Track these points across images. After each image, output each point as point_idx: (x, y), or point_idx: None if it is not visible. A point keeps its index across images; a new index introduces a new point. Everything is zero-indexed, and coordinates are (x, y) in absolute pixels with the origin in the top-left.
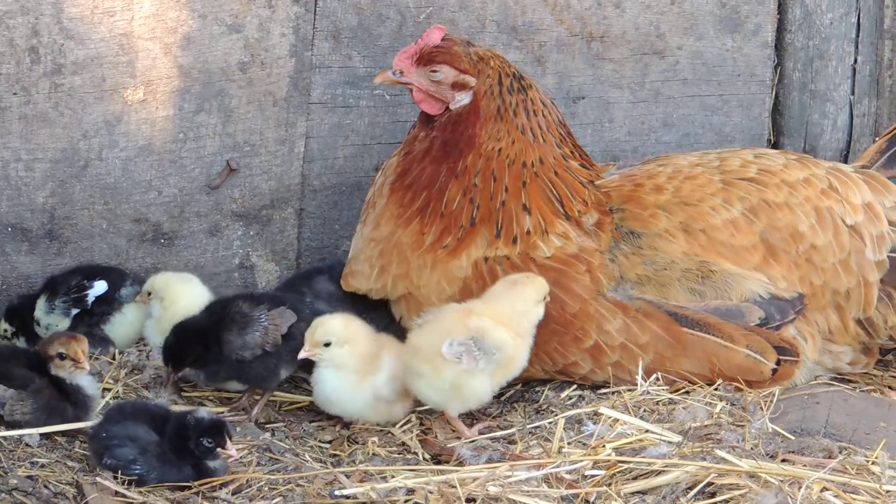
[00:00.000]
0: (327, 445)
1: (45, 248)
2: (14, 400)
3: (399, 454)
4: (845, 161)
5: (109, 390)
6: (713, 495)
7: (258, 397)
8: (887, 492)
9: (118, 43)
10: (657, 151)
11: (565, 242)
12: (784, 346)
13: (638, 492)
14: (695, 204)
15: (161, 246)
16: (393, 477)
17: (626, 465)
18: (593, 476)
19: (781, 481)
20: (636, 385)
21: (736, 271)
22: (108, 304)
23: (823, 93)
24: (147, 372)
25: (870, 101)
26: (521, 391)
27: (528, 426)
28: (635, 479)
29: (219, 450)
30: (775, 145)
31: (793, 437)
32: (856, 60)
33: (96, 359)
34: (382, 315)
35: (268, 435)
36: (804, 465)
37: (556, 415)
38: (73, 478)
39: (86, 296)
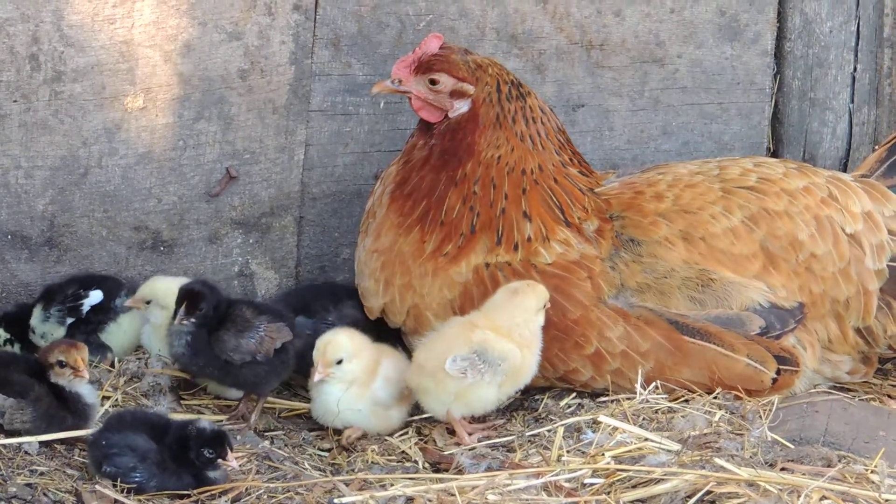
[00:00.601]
0: (326, 454)
1: (45, 255)
2: (14, 409)
3: (398, 462)
4: (844, 170)
5: (108, 398)
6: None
7: (255, 404)
8: (886, 500)
9: (118, 50)
10: (656, 159)
11: (566, 249)
12: (784, 355)
13: (637, 500)
14: (695, 212)
15: (161, 254)
16: (392, 485)
17: (625, 474)
18: (592, 484)
19: (780, 490)
20: (635, 393)
21: (736, 280)
22: (104, 312)
23: (823, 101)
24: (146, 380)
25: (869, 109)
26: (520, 399)
27: (528, 434)
28: (634, 487)
29: (220, 461)
30: (774, 154)
31: (792, 446)
32: (855, 69)
33: (95, 367)
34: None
35: (267, 443)
36: (803, 474)
37: (556, 423)
38: (72, 486)
39: (81, 305)
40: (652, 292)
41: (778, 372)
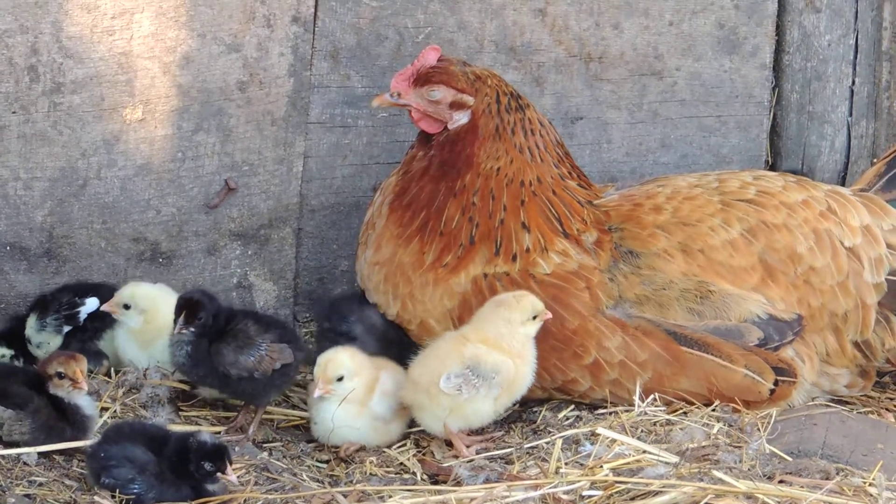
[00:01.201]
0: (324, 465)
1: (44, 266)
2: (13, 420)
3: (397, 474)
4: (843, 183)
5: (107, 409)
6: None
7: (254, 414)
8: None
9: (117, 62)
10: (655, 172)
11: (565, 260)
12: (782, 366)
13: None
14: (694, 224)
15: (159, 265)
16: (390, 497)
17: (623, 486)
18: (590, 496)
19: (779, 502)
20: (634, 405)
21: (735, 292)
22: (101, 320)
23: (821, 114)
24: (145, 391)
25: (867, 122)
26: (518, 411)
27: (526, 446)
28: (633, 499)
29: (219, 475)
30: (773, 167)
31: (790, 459)
32: (854, 82)
33: (94, 377)
34: None
35: (265, 454)
36: (801, 487)
37: (554, 435)
38: (70, 496)
39: (78, 313)
40: (650, 304)
41: (776, 383)
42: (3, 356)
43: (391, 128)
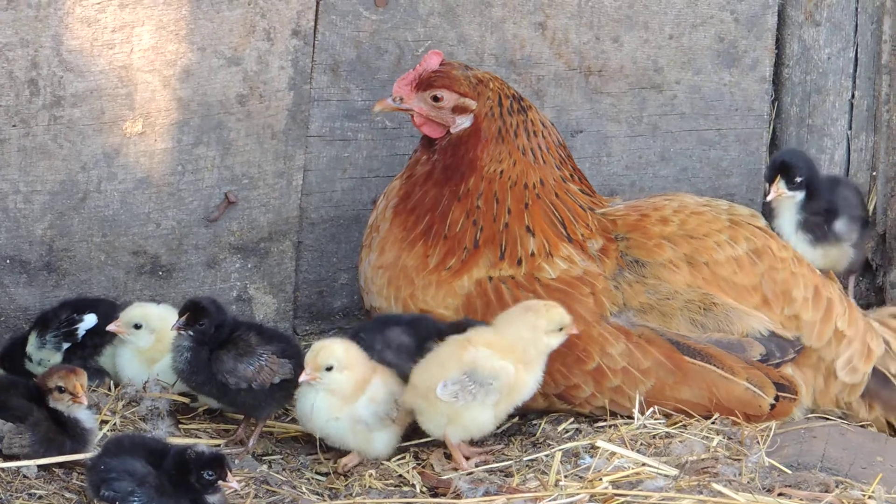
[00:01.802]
0: (324, 478)
1: (44, 280)
2: (13, 433)
3: (396, 487)
4: None
5: (107, 422)
6: None
7: (254, 427)
8: None
9: (117, 75)
10: (654, 185)
11: (570, 266)
12: (783, 382)
13: None
14: (700, 238)
15: (159, 278)
16: None
17: (622, 499)
18: None
19: None
20: (633, 417)
21: (738, 306)
22: (100, 336)
23: (821, 128)
24: (144, 404)
25: (867, 136)
26: (518, 424)
27: (525, 459)
28: None
29: (220, 482)
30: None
31: (789, 471)
32: (853, 95)
33: (94, 391)
34: None
35: (265, 467)
36: (801, 499)
37: (553, 447)
38: None
39: (76, 329)
40: (654, 313)
41: (776, 398)
42: None
43: (391, 141)
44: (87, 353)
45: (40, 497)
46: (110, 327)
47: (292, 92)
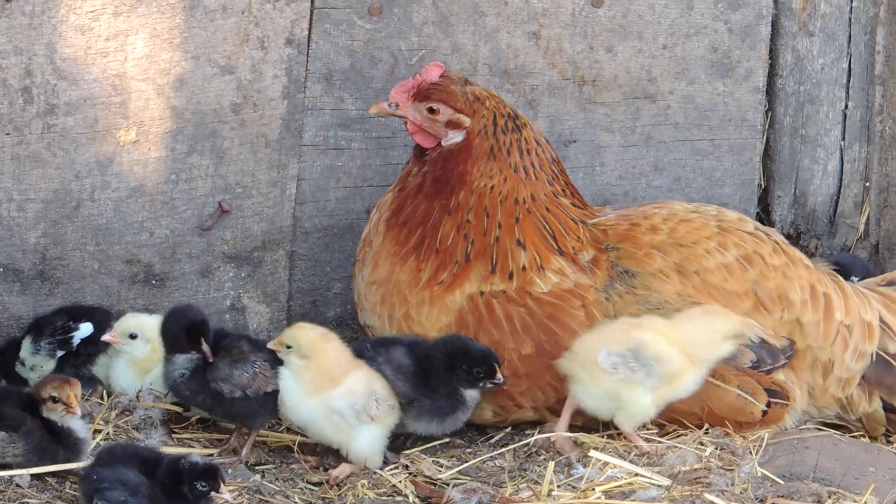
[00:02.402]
0: (317, 488)
1: (37, 288)
2: (6, 442)
3: (389, 496)
4: (836, 207)
5: (100, 432)
6: None
7: (247, 437)
8: None
9: (111, 84)
10: (648, 195)
11: (561, 279)
12: (775, 388)
13: None
14: (689, 245)
15: (152, 287)
16: None
17: None
18: None
19: None
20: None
21: None
22: (95, 344)
23: (814, 138)
24: (137, 413)
25: (860, 146)
26: (510, 434)
27: (518, 468)
28: None
29: (213, 494)
30: (766, 190)
31: (782, 482)
32: (847, 106)
33: (86, 399)
34: None
35: (258, 477)
36: None
37: (546, 457)
38: None
39: (71, 338)
40: None
41: (768, 404)
42: None
43: (385, 150)
44: (80, 361)
45: None
46: (105, 338)
47: (286, 101)
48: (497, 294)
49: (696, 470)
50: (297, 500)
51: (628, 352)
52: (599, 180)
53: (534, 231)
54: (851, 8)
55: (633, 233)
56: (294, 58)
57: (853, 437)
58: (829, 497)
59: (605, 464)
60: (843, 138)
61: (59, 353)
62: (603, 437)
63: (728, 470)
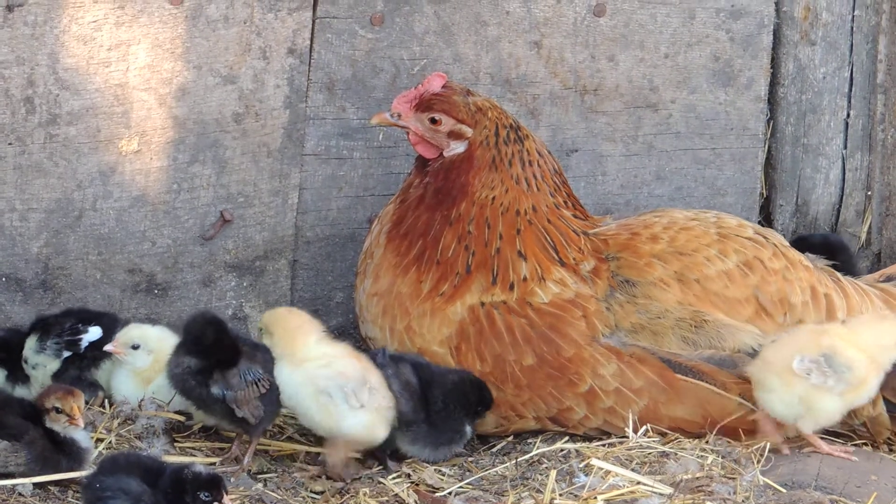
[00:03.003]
0: (319, 496)
1: (40, 298)
2: (8, 451)
3: None
4: (837, 216)
5: (102, 441)
6: None
7: (248, 445)
8: None
9: (113, 94)
10: (650, 205)
11: (562, 289)
12: None
13: None
14: (690, 254)
15: (154, 296)
16: None
17: None
18: None
19: None
20: (627, 436)
21: (729, 322)
22: (100, 350)
23: (816, 147)
24: (140, 422)
25: (862, 155)
26: (512, 443)
27: (520, 477)
28: None
29: None
30: (768, 199)
31: (784, 490)
32: (848, 115)
33: (89, 408)
34: None
35: (260, 485)
36: None
37: (548, 466)
38: None
39: (80, 340)
40: (645, 332)
41: None
42: None
43: (387, 160)
44: (84, 364)
45: None
46: (108, 348)
47: (288, 110)
48: (498, 305)
49: (697, 478)
50: None
51: (822, 358)
52: (601, 189)
53: (535, 242)
54: (853, 17)
55: (633, 242)
56: (296, 67)
57: (855, 445)
58: None
59: (607, 472)
60: (845, 147)
61: (66, 354)
62: (604, 445)
63: (730, 478)
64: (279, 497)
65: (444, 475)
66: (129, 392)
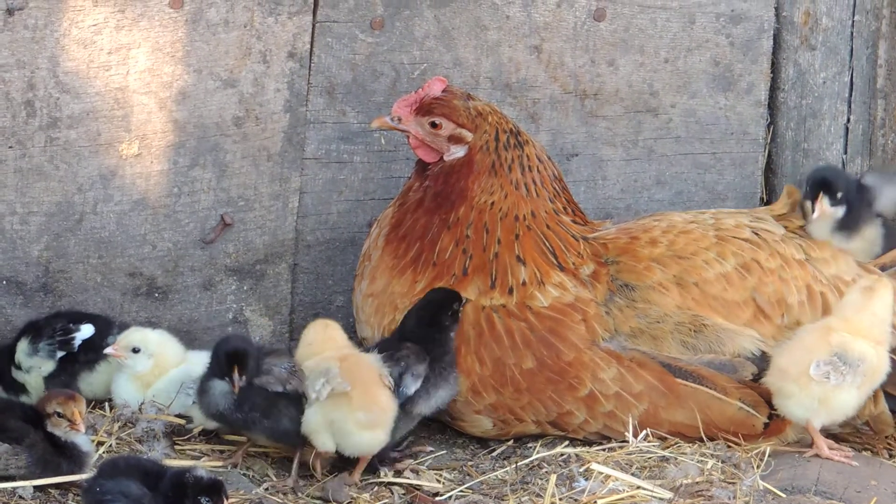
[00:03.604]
0: (319, 501)
1: (40, 301)
2: (9, 454)
3: None
4: None
5: (103, 444)
6: None
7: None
8: None
9: (114, 97)
10: (650, 209)
11: (562, 293)
12: None
13: None
14: (688, 257)
15: (155, 300)
16: None
17: None
18: None
19: None
20: (627, 441)
21: (728, 326)
22: (95, 352)
23: (816, 152)
24: (140, 426)
25: (862, 160)
26: (512, 447)
27: (520, 482)
28: None
29: None
30: (768, 204)
31: (784, 495)
32: (848, 119)
33: (90, 412)
34: None
35: (260, 489)
36: None
37: (548, 470)
38: None
39: (73, 339)
40: (645, 337)
41: (770, 417)
42: None
43: (387, 164)
44: (79, 367)
45: None
46: (107, 351)
47: (288, 114)
48: (497, 308)
49: (697, 483)
50: None
51: (835, 357)
52: (601, 194)
53: (533, 247)
54: (853, 22)
55: (632, 246)
56: (296, 71)
57: (854, 450)
58: None
59: (607, 477)
60: (845, 152)
61: (60, 354)
62: (604, 450)
63: (730, 483)
64: (279, 501)
65: (443, 479)
66: (130, 396)
